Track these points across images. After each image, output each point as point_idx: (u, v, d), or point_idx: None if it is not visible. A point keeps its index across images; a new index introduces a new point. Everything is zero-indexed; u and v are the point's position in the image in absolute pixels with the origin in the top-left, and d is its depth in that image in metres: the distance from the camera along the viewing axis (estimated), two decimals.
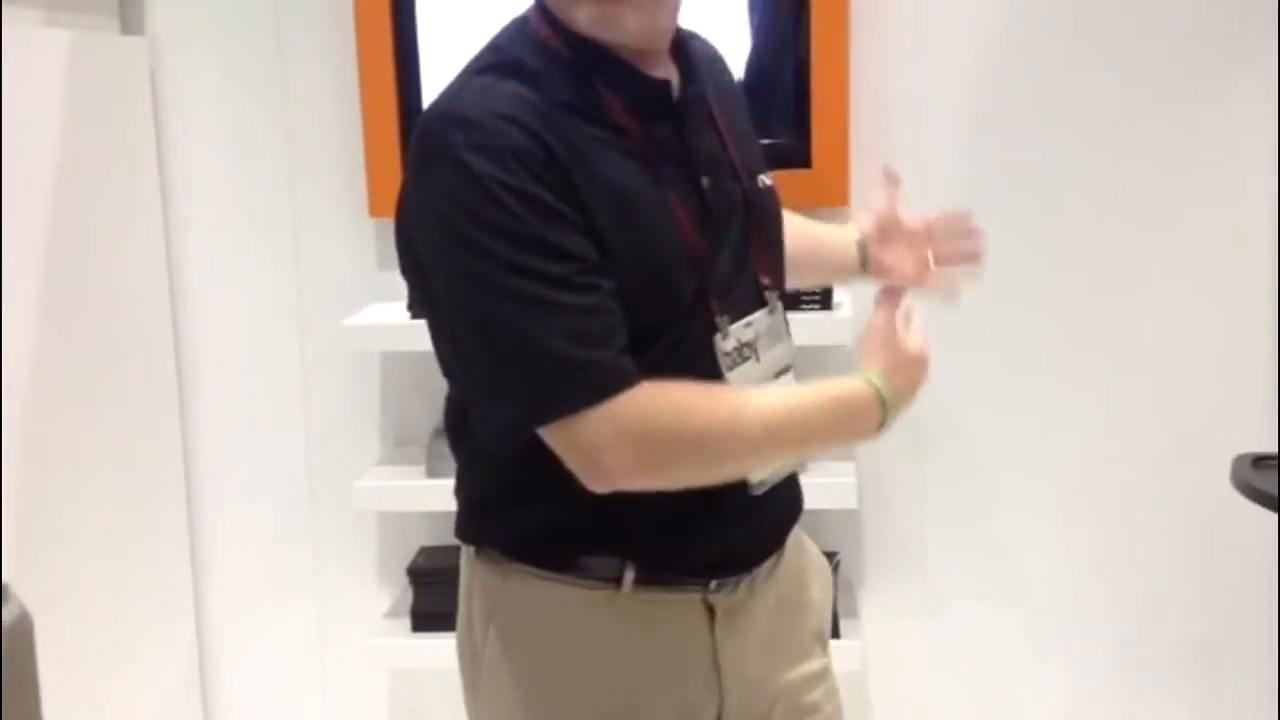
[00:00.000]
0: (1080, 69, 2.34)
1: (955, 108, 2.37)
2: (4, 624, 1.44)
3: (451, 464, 2.36)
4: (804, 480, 1.51)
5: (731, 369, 1.32)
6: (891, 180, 1.56)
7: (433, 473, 2.40)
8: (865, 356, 1.35)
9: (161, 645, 2.48)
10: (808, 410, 1.29)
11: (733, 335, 1.33)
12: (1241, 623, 2.44)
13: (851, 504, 2.32)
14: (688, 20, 1.41)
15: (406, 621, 2.48)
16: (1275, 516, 1.92)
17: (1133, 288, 2.39)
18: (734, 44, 2.28)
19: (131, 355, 2.41)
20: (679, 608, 1.34)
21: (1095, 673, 2.53)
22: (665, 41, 1.35)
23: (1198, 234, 2.36)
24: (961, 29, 2.35)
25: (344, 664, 2.60)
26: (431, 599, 2.44)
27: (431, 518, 2.54)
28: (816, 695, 1.48)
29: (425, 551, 2.53)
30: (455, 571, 2.59)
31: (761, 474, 1.36)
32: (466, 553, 1.43)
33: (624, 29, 1.28)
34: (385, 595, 2.59)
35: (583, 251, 1.20)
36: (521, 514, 1.34)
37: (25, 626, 1.47)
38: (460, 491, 1.43)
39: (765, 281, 1.39)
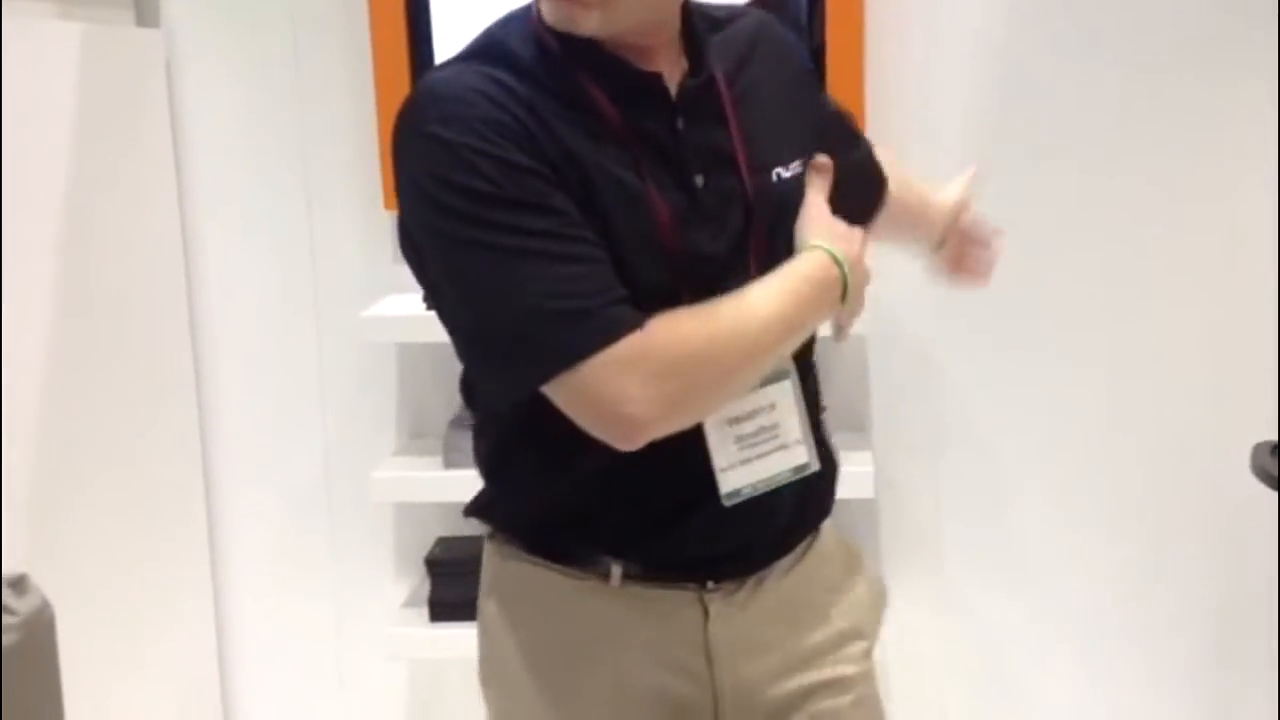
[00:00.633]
0: (1088, 64, 2.33)
1: (969, 88, 2.36)
2: (25, 614, 1.45)
3: (466, 455, 2.39)
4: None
5: None
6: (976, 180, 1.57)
7: (449, 463, 2.41)
8: (808, 231, 1.32)
9: (180, 635, 2.49)
10: (785, 295, 1.26)
11: None
12: (1254, 612, 2.44)
13: (868, 493, 2.32)
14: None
15: (424, 611, 2.49)
16: None
17: (1139, 280, 2.39)
18: None
19: (148, 349, 2.42)
20: (671, 603, 1.33)
21: (1109, 663, 2.53)
22: (660, 36, 1.31)
23: (1202, 227, 2.35)
24: (972, 17, 2.35)
25: (361, 654, 2.61)
26: (449, 589, 2.45)
27: (448, 508, 2.54)
28: (835, 703, 1.40)
29: (442, 542, 2.54)
30: (473, 562, 2.59)
31: (734, 484, 1.30)
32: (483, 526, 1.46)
33: (582, 28, 1.25)
34: (402, 585, 2.59)
35: (564, 206, 1.20)
36: (514, 499, 1.36)
37: (47, 616, 1.48)
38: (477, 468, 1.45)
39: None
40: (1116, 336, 2.40)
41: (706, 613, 1.34)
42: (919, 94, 2.36)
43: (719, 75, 1.34)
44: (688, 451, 1.28)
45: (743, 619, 1.35)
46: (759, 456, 1.31)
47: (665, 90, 1.29)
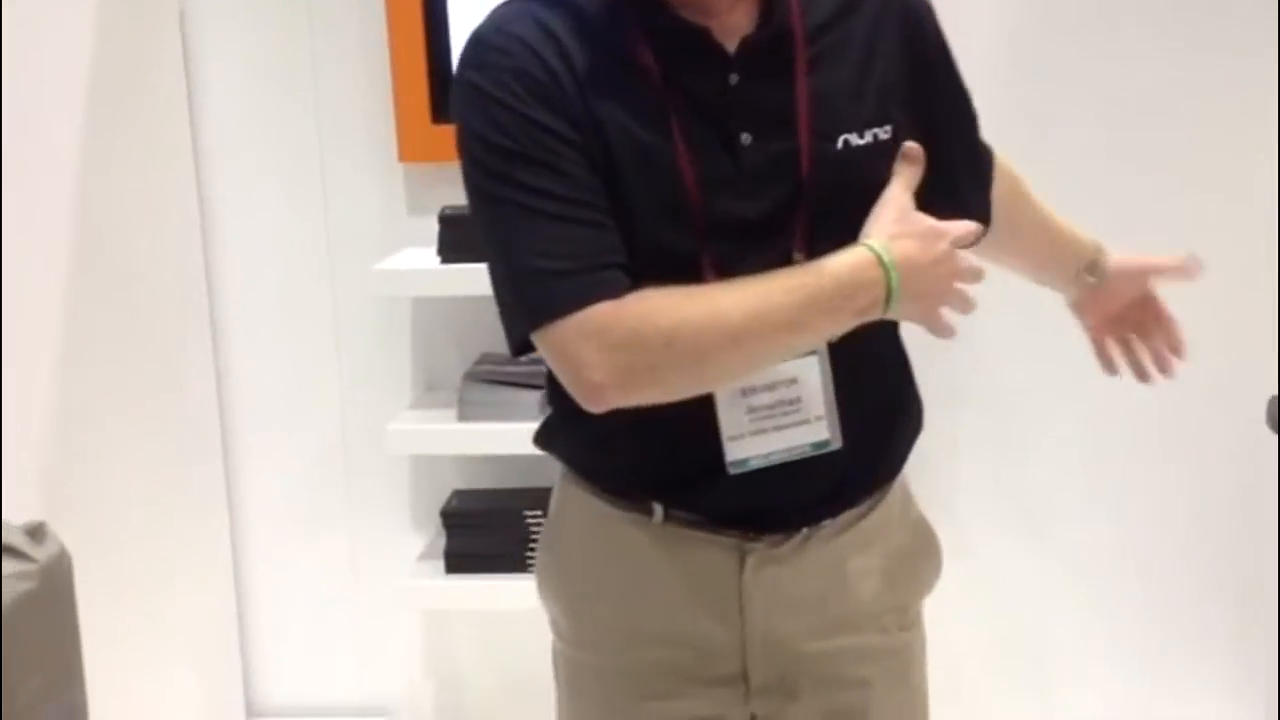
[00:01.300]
0: (1100, 51, 2.35)
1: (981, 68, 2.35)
2: (44, 562, 1.47)
3: (481, 408, 2.41)
4: None
5: None
6: (1191, 267, 1.52)
7: (464, 417, 2.42)
8: (871, 223, 1.25)
9: (198, 585, 2.52)
10: (793, 288, 1.20)
11: None
12: (1268, 562, 2.44)
13: None
14: None
15: (440, 564, 2.50)
16: None
17: (1154, 237, 2.38)
18: None
19: (164, 303, 2.43)
20: (710, 548, 1.34)
21: (1125, 617, 2.53)
22: None
23: (1214, 188, 2.36)
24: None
25: (378, 605, 2.62)
26: (464, 542, 2.46)
27: (463, 461, 2.56)
28: (866, 671, 1.39)
29: (458, 494, 2.55)
30: (487, 514, 2.62)
31: (740, 454, 1.30)
32: None
33: None
34: (418, 538, 2.61)
35: (570, 168, 1.21)
36: (569, 432, 1.38)
37: (64, 564, 1.50)
38: None
39: (798, 255, 1.27)
40: None
41: (743, 563, 1.34)
42: None
43: (798, 29, 1.28)
44: (705, 414, 1.29)
45: (781, 573, 1.34)
46: (775, 429, 1.30)
47: (716, 45, 1.26)
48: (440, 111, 2.37)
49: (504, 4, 1.29)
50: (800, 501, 1.34)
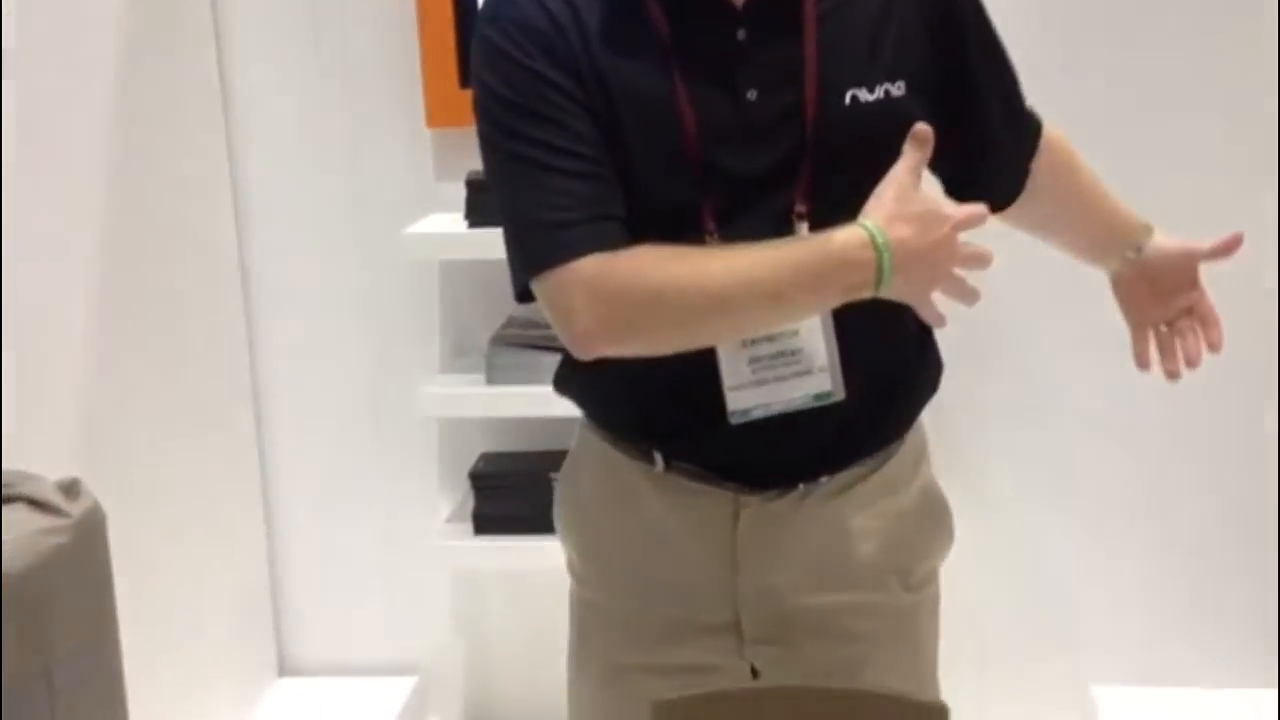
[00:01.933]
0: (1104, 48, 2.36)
1: None
2: (77, 517, 1.49)
3: (508, 371, 2.42)
4: None
5: None
6: (1230, 243, 1.47)
7: (492, 380, 2.44)
8: (870, 203, 1.24)
9: (231, 545, 2.55)
10: (783, 258, 1.22)
11: None
12: None
13: None
14: None
15: (468, 525, 2.53)
16: None
17: (1178, 200, 2.37)
18: None
19: (195, 265, 2.45)
20: (707, 499, 1.36)
21: (1152, 575, 2.53)
22: None
23: (1238, 148, 2.35)
24: None
25: (407, 565, 2.66)
26: (492, 503, 2.49)
27: (492, 424, 2.58)
28: (864, 627, 1.40)
29: (485, 457, 2.58)
30: (515, 476, 2.64)
31: (742, 404, 1.31)
32: None
33: None
34: (447, 500, 2.64)
35: (573, 122, 1.24)
36: (581, 379, 1.41)
37: (98, 519, 1.52)
38: None
39: (800, 209, 1.29)
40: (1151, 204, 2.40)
41: (738, 516, 1.36)
42: None
43: None
44: (707, 364, 1.30)
45: (775, 528, 1.36)
46: (776, 380, 1.31)
47: (724, 0, 1.27)
48: (467, 76, 2.37)
49: None
50: (801, 453, 1.35)
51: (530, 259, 1.25)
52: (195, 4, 2.45)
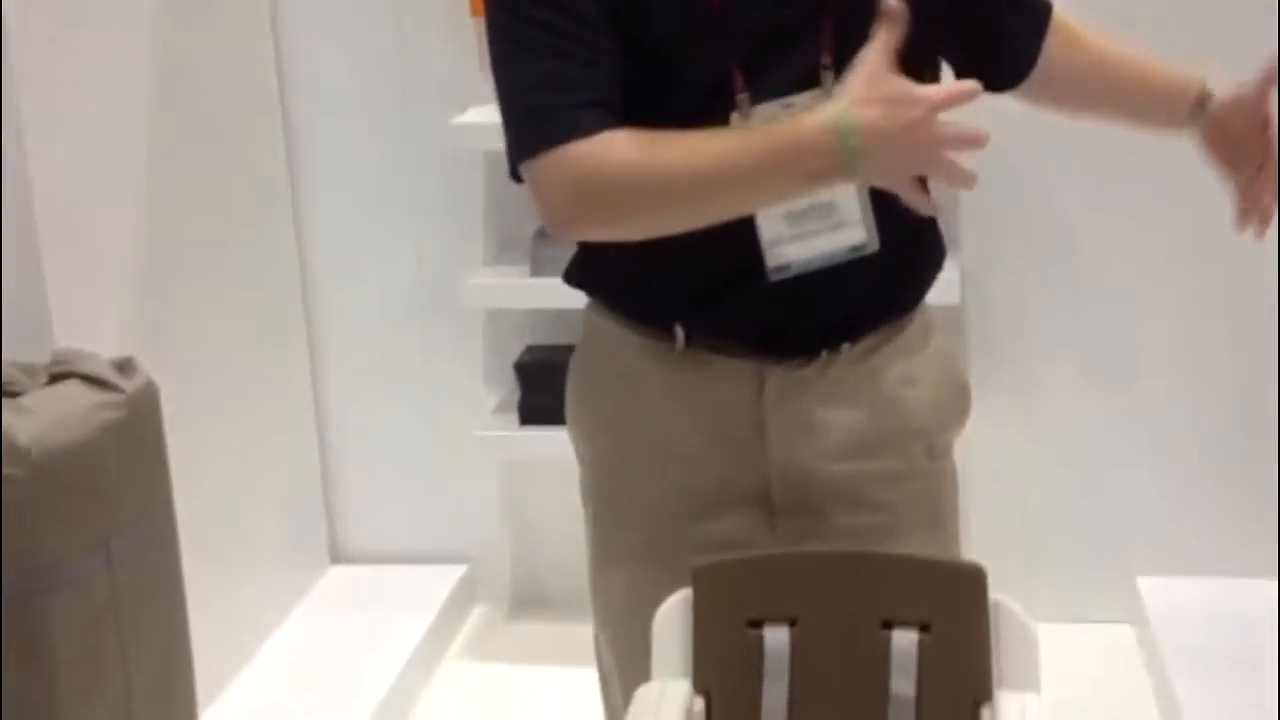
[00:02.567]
0: None
1: None
2: (131, 392, 1.53)
3: (553, 264, 2.43)
4: None
5: None
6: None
7: (537, 271, 2.45)
8: (841, 90, 1.21)
9: (282, 435, 2.60)
10: (750, 143, 1.22)
11: (759, 114, 1.27)
12: None
13: (954, 299, 2.32)
14: None
15: (514, 416, 2.56)
16: None
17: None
18: None
19: (243, 154, 2.47)
20: (730, 371, 1.36)
21: (1196, 468, 2.53)
22: None
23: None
24: None
25: (455, 455, 2.69)
26: (538, 394, 2.51)
27: (537, 315, 2.60)
28: (891, 495, 1.39)
29: (531, 349, 2.60)
30: (560, 367, 2.66)
31: (782, 260, 1.30)
32: None
33: None
34: (493, 391, 2.67)
35: (577, 5, 1.23)
36: (595, 261, 1.41)
37: (152, 395, 1.56)
38: None
39: (825, 61, 1.28)
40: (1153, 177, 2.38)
41: (763, 388, 1.36)
42: None
43: None
44: (744, 224, 1.29)
45: (801, 397, 1.36)
46: (812, 234, 1.30)
47: None
48: None
49: None
50: (829, 316, 1.36)
51: (517, 143, 1.27)
52: None
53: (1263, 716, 2.17)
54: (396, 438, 2.72)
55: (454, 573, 2.74)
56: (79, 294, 1.90)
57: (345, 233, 2.64)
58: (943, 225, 1.46)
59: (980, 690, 1.19)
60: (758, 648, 1.21)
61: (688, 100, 1.27)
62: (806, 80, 1.28)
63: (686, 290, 1.36)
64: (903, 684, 1.19)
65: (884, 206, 1.33)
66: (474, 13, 2.44)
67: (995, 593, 1.21)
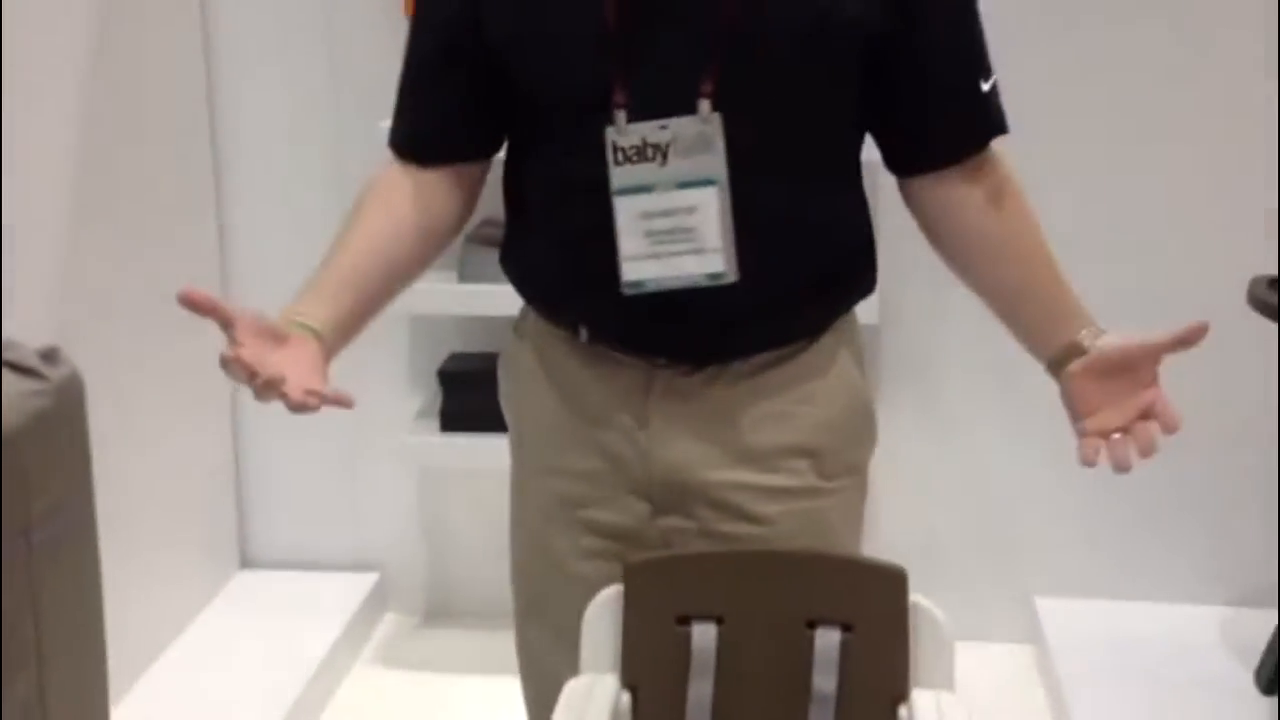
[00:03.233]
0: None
1: None
2: (57, 381, 1.51)
3: (481, 270, 2.44)
4: None
5: (620, 164, 1.30)
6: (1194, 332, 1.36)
7: (465, 278, 2.46)
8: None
9: (196, 435, 2.57)
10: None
11: (635, 132, 1.30)
12: (1251, 443, 2.50)
13: (873, 319, 2.36)
14: None
15: (435, 422, 2.56)
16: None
17: (1143, 119, 2.45)
18: None
19: (170, 158, 2.45)
20: (626, 369, 1.41)
21: (1095, 490, 2.59)
22: None
23: (1200, 77, 2.43)
24: None
25: (373, 461, 2.69)
26: (460, 401, 2.52)
27: (462, 323, 2.60)
28: (769, 510, 1.40)
29: (455, 356, 2.60)
30: (484, 375, 2.66)
31: (636, 275, 1.33)
32: None
33: None
34: (415, 397, 2.66)
35: (459, 37, 1.37)
36: (514, 251, 1.48)
37: (76, 385, 1.54)
38: None
39: (707, 89, 1.29)
40: (1117, 167, 2.47)
41: (651, 387, 1.41)
42: None
43: None
44: (607, 235, 1.34)
45: (684, 403, 1.40)
46: (670, 255, 1.32)
47: None
48: None
49: None
50: (702, 332, 1.38)
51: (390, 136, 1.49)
52: None
53: None
54: (313, 440, 2.69)
55: (367, 580, 2.73)
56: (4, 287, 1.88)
57: (267, 233, 2.62)
58: None
59: (899, 688, 1.23)
60: (685, 644, 1.24)
61: (569, 110, 1.33)
62: (685, 105, 1.30)
63: (582, 291, 1.40)
64: (825, 681, 1.23)
65: (760, 241, 1.34)
66: (407, 11, 2.45)
67: (914, 594, 1.25)
